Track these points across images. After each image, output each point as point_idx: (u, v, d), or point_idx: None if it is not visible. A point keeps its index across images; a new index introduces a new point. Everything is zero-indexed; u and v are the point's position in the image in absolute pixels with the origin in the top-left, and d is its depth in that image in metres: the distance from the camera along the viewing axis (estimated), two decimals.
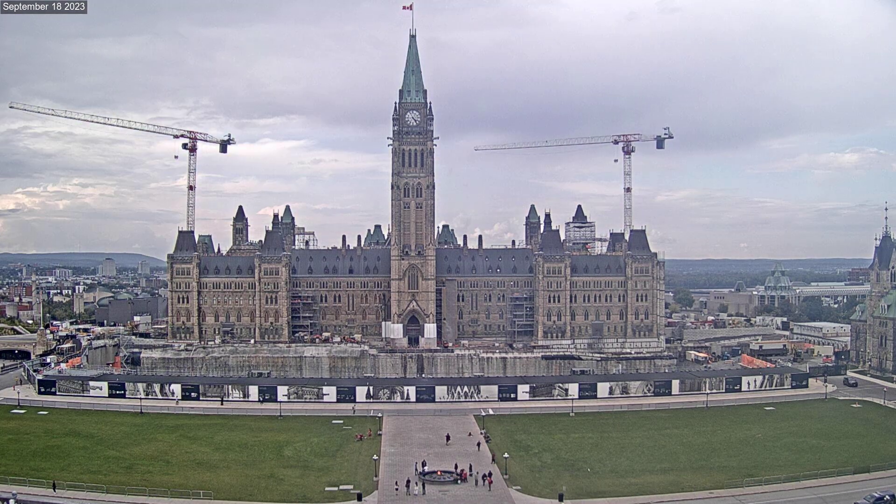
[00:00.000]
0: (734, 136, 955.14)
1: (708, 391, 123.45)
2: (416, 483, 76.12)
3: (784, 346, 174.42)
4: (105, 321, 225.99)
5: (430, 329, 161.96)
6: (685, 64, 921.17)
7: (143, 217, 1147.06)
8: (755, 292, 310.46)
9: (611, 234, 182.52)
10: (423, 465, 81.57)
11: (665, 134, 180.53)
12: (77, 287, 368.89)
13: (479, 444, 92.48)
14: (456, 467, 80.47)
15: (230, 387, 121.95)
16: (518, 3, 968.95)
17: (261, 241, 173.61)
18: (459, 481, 77.61)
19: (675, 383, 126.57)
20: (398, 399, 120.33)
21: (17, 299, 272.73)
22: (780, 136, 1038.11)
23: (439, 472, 79.60)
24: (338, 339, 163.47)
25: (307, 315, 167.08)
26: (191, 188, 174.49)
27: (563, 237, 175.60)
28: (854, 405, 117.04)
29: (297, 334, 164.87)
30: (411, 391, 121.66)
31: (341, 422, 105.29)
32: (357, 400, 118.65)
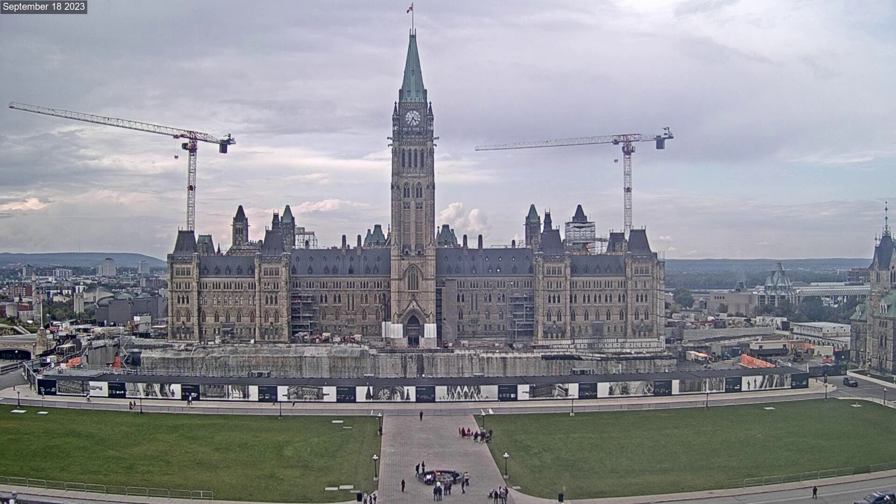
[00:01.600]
0: (737, 147, 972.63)
1: (708, 391, 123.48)
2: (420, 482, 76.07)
3: (784, 346, 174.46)
4: (105, 321, 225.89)
5: (430, 329, 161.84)
6: (689, 80, 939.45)
7: (145, 217, 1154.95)
8: (755, 292, 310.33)
9: (611, 234, 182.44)
10: (422, 465, 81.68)
11: (665, 134, 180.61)
12: (77, 287, 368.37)
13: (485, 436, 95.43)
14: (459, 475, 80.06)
15: (230, 386, 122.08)
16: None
17: (261, 241, 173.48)
18: (455, 483, 77.22)
19: (675, 383, 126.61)
20: (398, 399, 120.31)
21: (17, 299, 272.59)
22: (783, 149, 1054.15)
23: (438, 473, 79.51)
24: (338, 339, 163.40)
25: (307, 315, 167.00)
26: (191, 188, 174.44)
27: (563, 237, 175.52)
28: (854, 405, 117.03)
29: (297, 334, 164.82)
30: (411, 391, 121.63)
31: (341, 422, 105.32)
32: (357, 400, 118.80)
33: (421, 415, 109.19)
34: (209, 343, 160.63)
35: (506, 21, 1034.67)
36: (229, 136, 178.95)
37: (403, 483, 76.06)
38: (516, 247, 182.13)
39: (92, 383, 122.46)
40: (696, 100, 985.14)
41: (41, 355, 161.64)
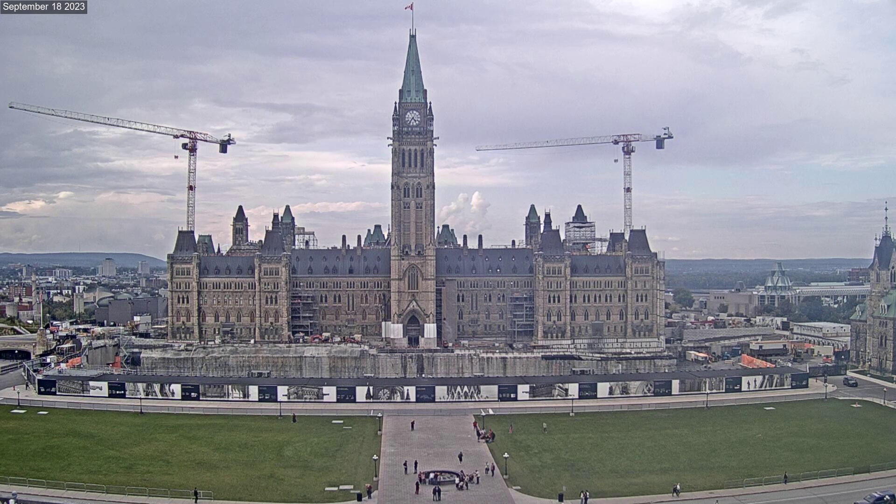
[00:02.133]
0: (740, 149, 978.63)
1: (708, 391, 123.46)
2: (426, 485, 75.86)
3: (784, 346, 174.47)
4: (105, 321, 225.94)
5: (430, 329, 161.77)
6: (696, 84, 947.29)
7: (148, 218, 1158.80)
8: (755, 292, 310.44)
9: (611, 234, 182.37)
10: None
11: (665, 134, 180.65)
12: (77, 287, 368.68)
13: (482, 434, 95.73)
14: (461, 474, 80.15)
15: (230, 386, 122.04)
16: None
17: (261, 241, 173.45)
18: (459, 482, 77.33)
19: (675, 383, 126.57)
20: (398, 399, 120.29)
21: (17, 299, 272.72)
22: (786, 151, 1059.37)
23: (438, 474, 79.44)
24: (338, 339, 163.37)
25: (307, 315, 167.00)
26: (191, 188, 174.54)
27: (563, 237, 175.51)
28: (854, 405, 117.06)
29: (296, 334, 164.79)
30: (411, 391, 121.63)
31: (341, 422, 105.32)
32: (357, 400, 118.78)
33: (413, 424, 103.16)
34: (209, 343, 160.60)
35: (518, 28, 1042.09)
36: (229, 136, 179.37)
37: (417, 485, 75.95)
38: (516, 247, 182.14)
39: (92, 383, 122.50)
40: (701, 103, 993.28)
41: (41, 355, 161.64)
